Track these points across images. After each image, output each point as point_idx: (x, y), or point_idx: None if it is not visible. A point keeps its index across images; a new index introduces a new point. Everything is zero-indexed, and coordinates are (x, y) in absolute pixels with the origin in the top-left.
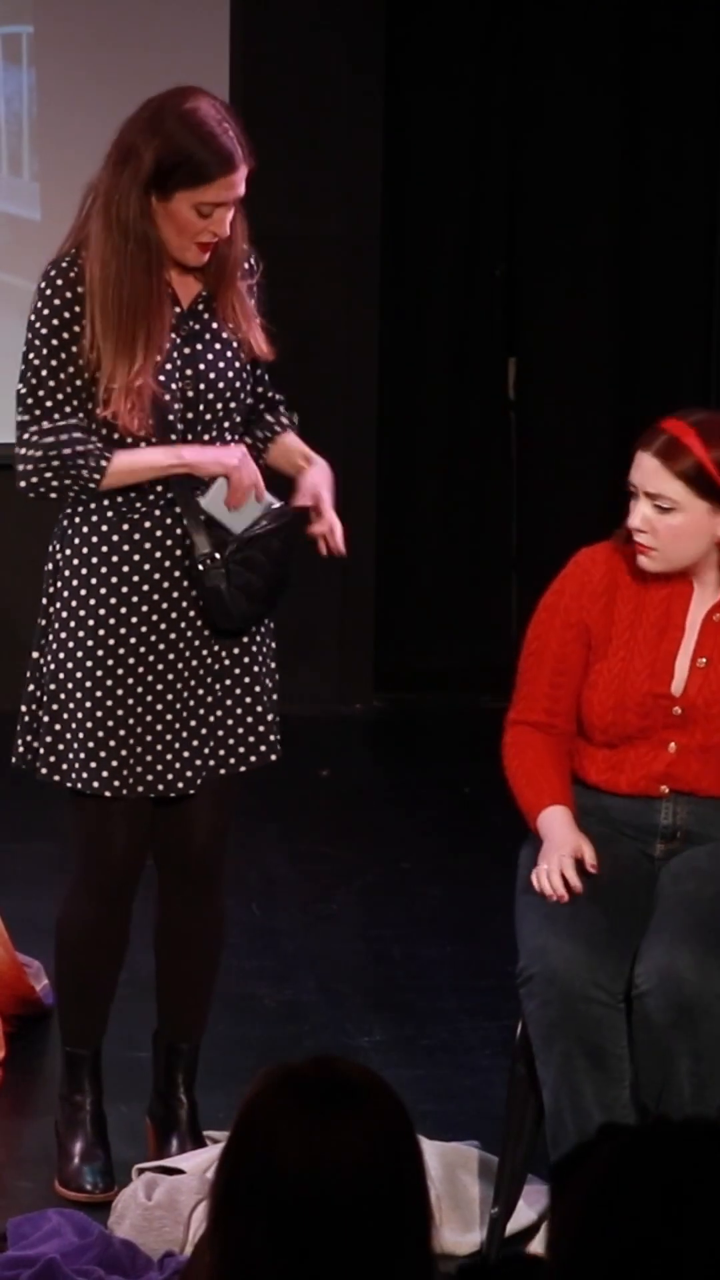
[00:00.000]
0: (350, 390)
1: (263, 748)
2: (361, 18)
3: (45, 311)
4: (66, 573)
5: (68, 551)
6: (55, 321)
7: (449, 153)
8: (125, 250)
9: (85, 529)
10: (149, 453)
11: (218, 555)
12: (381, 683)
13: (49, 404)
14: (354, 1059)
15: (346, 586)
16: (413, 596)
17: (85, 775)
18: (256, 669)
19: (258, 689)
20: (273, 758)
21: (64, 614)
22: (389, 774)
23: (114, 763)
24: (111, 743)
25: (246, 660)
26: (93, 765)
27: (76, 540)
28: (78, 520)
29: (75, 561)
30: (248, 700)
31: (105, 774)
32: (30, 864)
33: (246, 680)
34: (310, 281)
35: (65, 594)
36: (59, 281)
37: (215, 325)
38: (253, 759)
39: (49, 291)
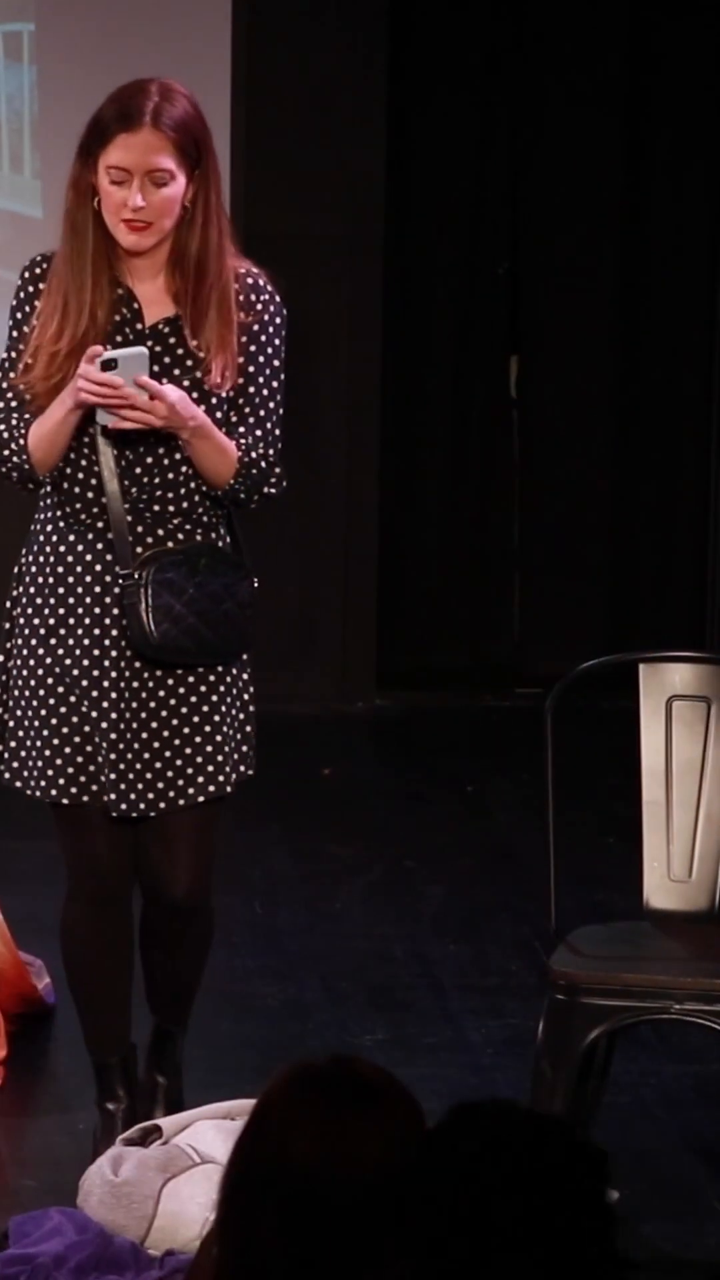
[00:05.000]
0: (353, 388)
1: (215, 781)
2: (364, 16)
3: (11, 304)
4: (25, 579)
5: (28, 558)
6: (18, 315)
7: (451, 151)
8: (68, 221)
9: (41, 537)
10: (51, 408)
11: (136, 575)
12: (384, 681)
13: (1, 389)
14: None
15: (349, 584)
16: (415, 594)
17: (43, 783)
18: (215, 700)
19: (215, 719)
20: (228, 789)
21: (21, 620)
22: (391, 772)
23: (69, 770)
24: (65, 750)
25: (204, 690)
26: (49, 772)
27: (34, 547)
28: (36, 527)
29: (33, 569)
30: (205, 730)
31: (61, 781)
32: (32, 862)
33: (204, 709)
34: (312, 280)
35: (24, 600)
36: (24, 275)
37: (180, 351)
38: (209, 790)
39: (17, 284)
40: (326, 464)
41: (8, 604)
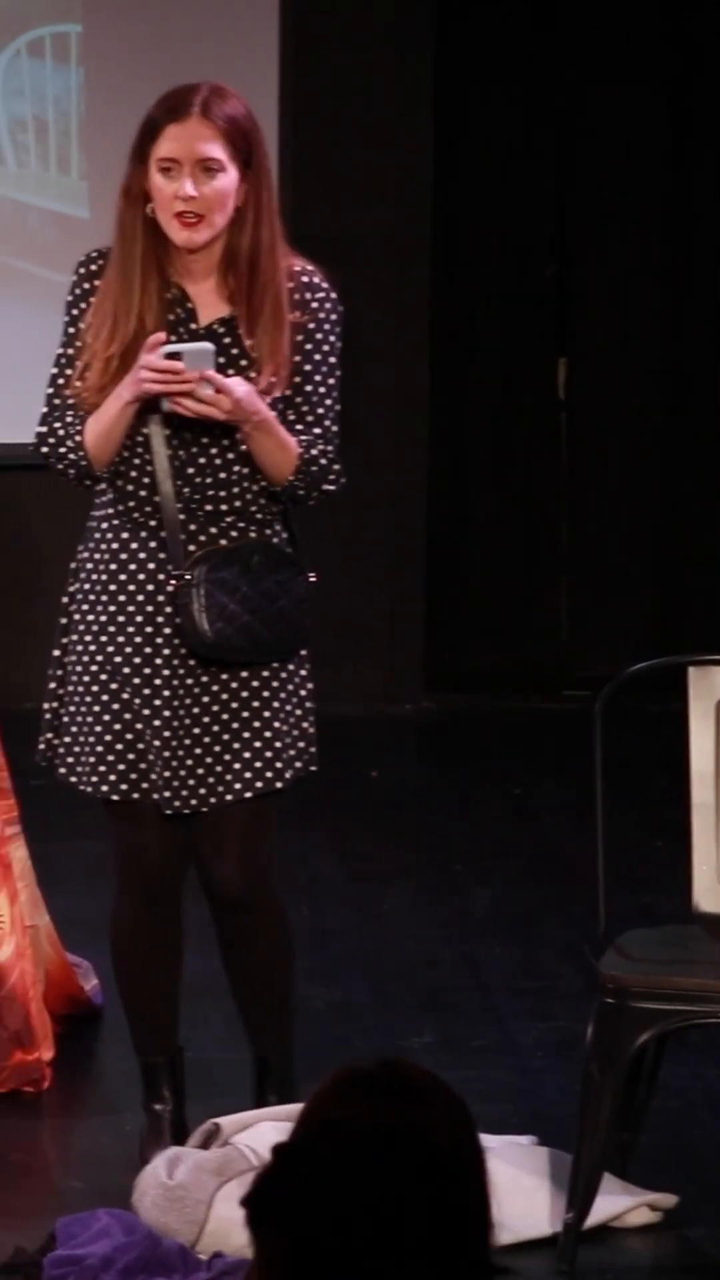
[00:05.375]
0: (401, 391)
1: (264, 777)
2: (411, 14)
3: (67, 300)
4: (82, 574)
5: (85, 554)
6: (74, 311)
7: (498, 152)
8: (118, 226)
9: (97, 534)
10: (107, 402)
11: (188, 575)
12: (431, 683)
13: (59, 385)
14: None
15: (396, 586)
16: (463, 597)
17: (94, 778)
18: (267, 697)
19: (267, 716)
20: (278, 785)
21: (77, 616)
22: (439, 775)
23: (119, 767)
24: (116, 747)
25: (257, 686)
26: (100, 769)
27: (91, 543)
28: (92, 524)
29: (89, 565)
30: (256, 726)
31: (112, 778)
32: (78, 863)
33: (256, 706)
34: (360, 282)
35: (80, 596)
36: (79, 271)
37: (235, 351)
38: (257, 786)
39: (72, 280)
40: (375, 466)
41: (65, 599)
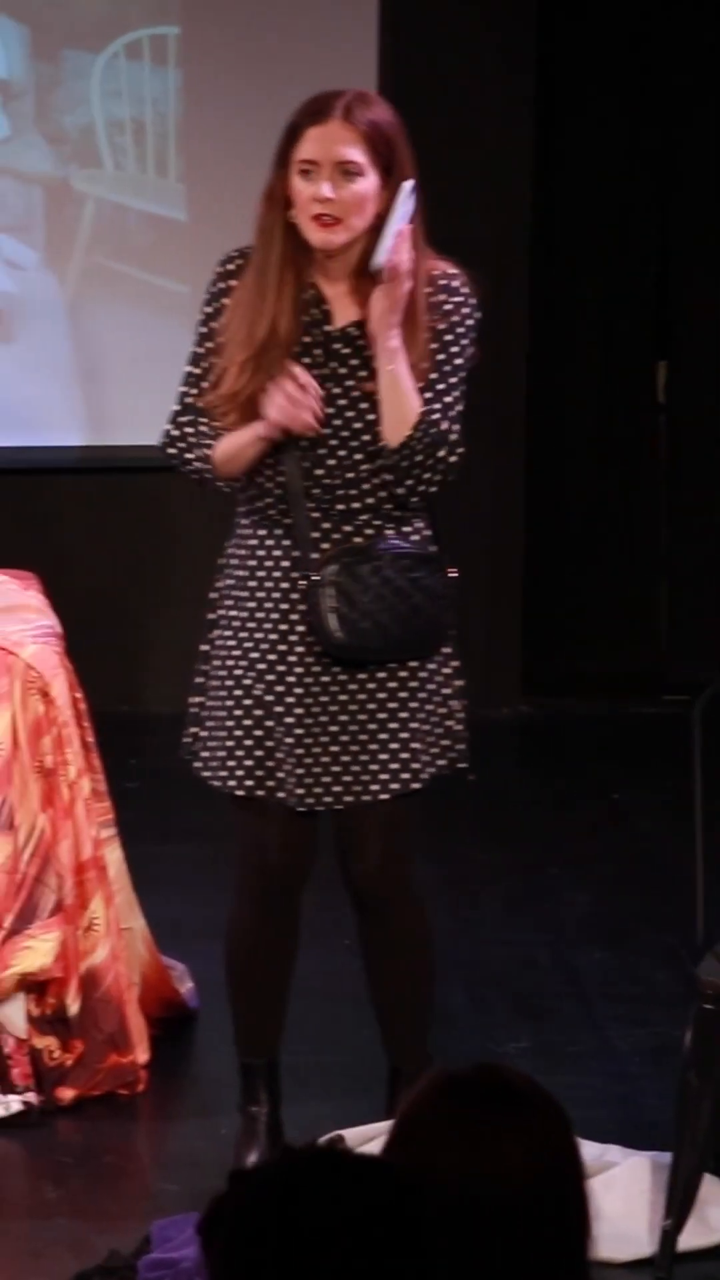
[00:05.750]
0: (498, 393)
1: (400, 779)
2: (513, 16)
3: (204, 298)
4: (226, 570)
5: (228, 551)
6: (208, 310)
7: (599, 154)
8: (257, 230)
9: (240, 531)
10: (243, 431)
11: (318, 574)
12: (529, 686)
13: (189, 386)
14: None
15: (495, 590)
16: (561, 600)
17: (222, 773)
18: (404, 697)
19: (403, 716)
20: (415, 785)
21: (220, 611)
22: (536, 778)
23: (247, 763)
24: (246, 743)
25: (393, 686)
26: (230, 763)
27: (234, 539)
28: (237, 520)
29: (233, 562)
30: (392, 727)
31: (240, 773)
32: (175, 866)
33: (392, 706)
34: None
35: (224, 592)
36: (218, 270)
37: (368, 354)
38: (392, 788)
39: (212, 277)
40: (472, 469)
41: (212, 595)
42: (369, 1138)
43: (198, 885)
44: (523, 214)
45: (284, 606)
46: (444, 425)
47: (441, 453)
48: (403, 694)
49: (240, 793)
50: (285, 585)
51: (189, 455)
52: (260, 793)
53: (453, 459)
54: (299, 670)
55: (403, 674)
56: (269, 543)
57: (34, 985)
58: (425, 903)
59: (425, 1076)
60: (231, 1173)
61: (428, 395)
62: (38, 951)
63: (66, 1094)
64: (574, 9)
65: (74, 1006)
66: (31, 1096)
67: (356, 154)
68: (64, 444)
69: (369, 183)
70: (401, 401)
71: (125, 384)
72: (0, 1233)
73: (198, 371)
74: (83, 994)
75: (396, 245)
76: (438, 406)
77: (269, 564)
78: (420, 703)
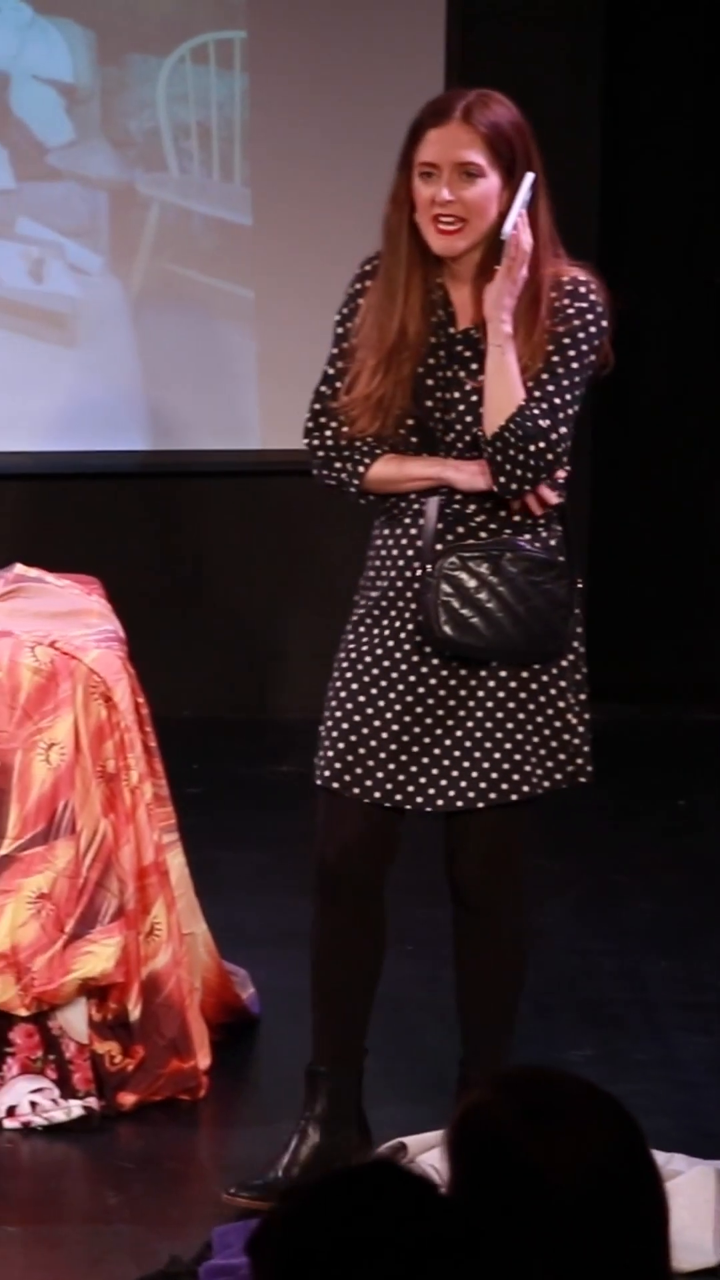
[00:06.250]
0: None
1: (499, 789)
2: (580, 23)
3: (342, 299)
4: (365, 564)
5: (367, 552)
6: (343, 312)
7: (667, 159)
8: (384, 233)
9: (374, 528)
10: (412, 461)
11: (431, 568)
12: (594, 693)
13: (324, 387)
14: None
15: None
16: (626, 607)
17: (320, 764)
18: (512, 706)
19: (509, 726)
20: (513, 797)
21: (354, 605)
22: (603, 786)
23: (347, 757)
24: (350, 737)
25: (502, 695)
26: (329, 754)
27: (371, 534)
28: (373, 524)
29: (368, 554)
30: (498, 735)
31: (338, 766)
32: (237, 872)
33: (500, 714)
34: None
35: (359, 587)
36: (355, 272)
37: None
38: (490, 797)
39: (349, 280)
40: None
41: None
42: (430, 1145)
43: (260, 891)
44: (590, 220)
45: (399, 604)
46: (543, 421)
47: (532, 447)
48: (510, 704)
49: (335, 785)
50: (400, 583)
51: (338, 466)
52: (336, 785)
53: (549, 456)
54: (403, 667)
55: (513, 684)
56: (390, 541)
57: (95, 990)
58: (527, 915)
59: (486, 1079)
60: (281, 1190)
61: (534, 391)
62: (99, 956)
63: (128, 1099)
64: (643, 17)
65: (135, 1011)
66: (93, 1101)
67: (476, 155)
68: (127, 448)
69: (490, 184)
70: (503, 390)
71: (188, 389)
72: (61, 1238)
73: (332, 372)
74: (144, 999)
75: (519, 228)
76: (542, 403)
77: (390, 558)
78: (529, 714)
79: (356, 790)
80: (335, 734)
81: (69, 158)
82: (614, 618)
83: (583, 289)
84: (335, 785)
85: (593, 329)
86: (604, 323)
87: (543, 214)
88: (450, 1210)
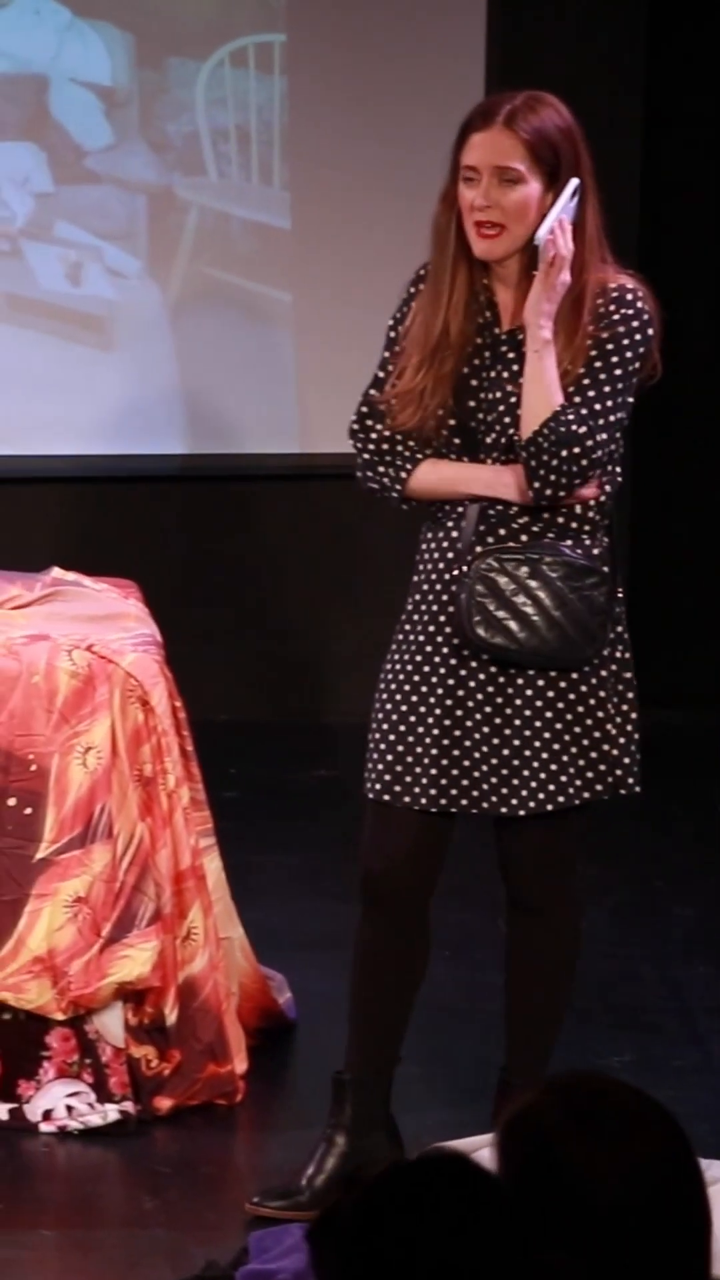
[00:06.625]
0: None
1: (536, 798)
2: (622, 30)
3: (395, 309)
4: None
5: (416, 558)
6: (396, 316)
7: (707, 165)
8: (432, 232)
9: (420, 537)
10: (458, 470)
11: (465, 568)
12: (639, 700)
13: (376, 388)
14: None
15: None
16: (665, 613)
17: (376, 783)
18: (550, 716)
19: (546, 735)
20: (549, 807)
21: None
22: (641, 790)
23: (397, 768)
24: (396, 748)
25: (539, 705)
26: (378, 767)
27: (418, 547)
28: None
29: (417, 559)
30: (536, 745)
31: (388, 778)
32: (273, 876)
33: (537, 724)
34: None
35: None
36: (411, 277)
37: None
38: (530, 805)
39: (403, 286)
40: None
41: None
42: (468, 1151)
43: (297, 895)
44: (630, 225)
45: (435, 607)
46: (578, 428)
47: (565, 452)
48: (548, 713)
49: (371, 796)
50: (441, 582)
51: (379, 468)
52: (387, 797)
53: (583, 462)
54: (442, 670)
55: (549, 693)
56: (432, 544)
57: (132, 994)
58: (579, 921)
59: (537, 1082)
60: (343, 1179)
61: (575, 397)
62: (136, 960)
63: (164, 1104)
64: (684, 24)
65: (172, 1016)
66: (129, 1106)
67: (516, 162)
68: (164, 452)
69: (529, 190)
70: (539, 394)
71: (226, 393)
72: (97, 1243)
73: (381, 375)
74: (180, 1003)
75: (556, 233)
76: (580, 408)
77: (431, 561)
78: (566, 724)
79: (407, 799)
80: (383, 746)
81: (107, 161)
82: (654, 624)
83: (630, 296)
84: (386, 797)
85: (638, 336)
86: (650, 331)
87: (590, 218)
88: (508, 1205)
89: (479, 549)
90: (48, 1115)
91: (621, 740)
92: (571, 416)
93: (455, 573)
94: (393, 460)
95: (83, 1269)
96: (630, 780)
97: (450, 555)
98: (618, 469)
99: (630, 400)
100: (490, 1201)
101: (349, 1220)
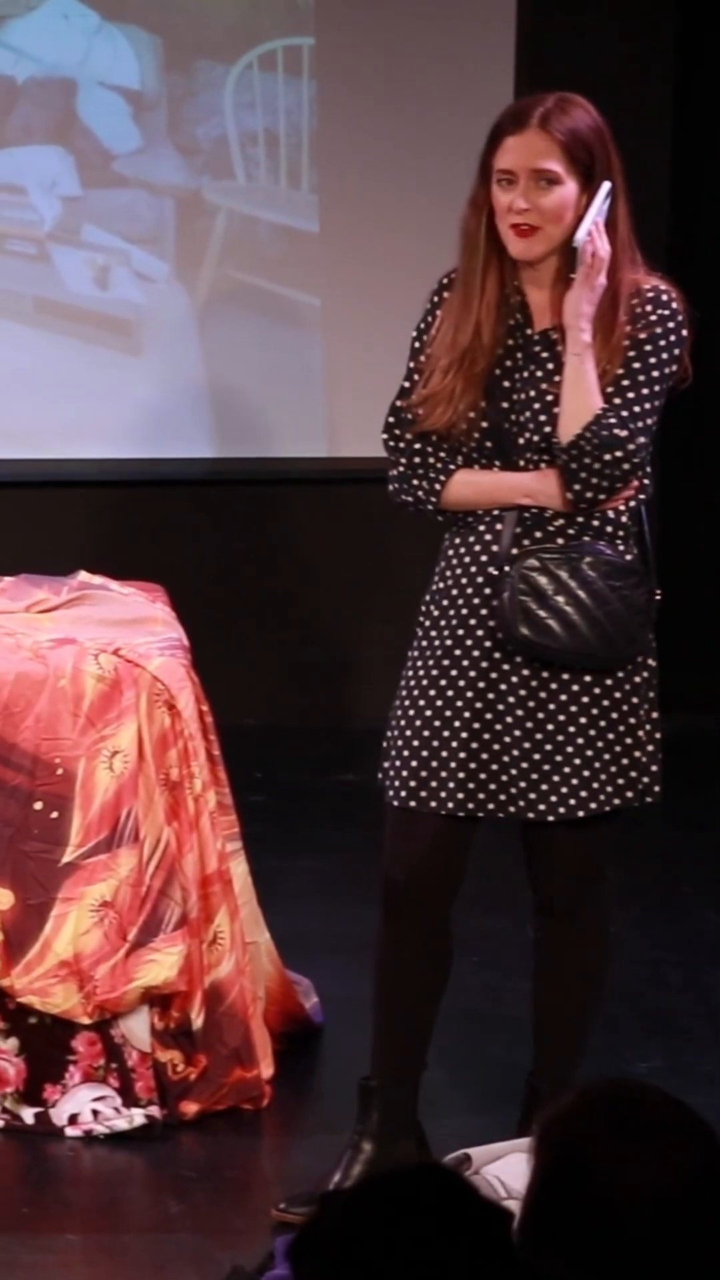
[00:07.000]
0: None
1: (567, 804)
2: (651, 33)
3: (419, 319)
4: (433, 575)
5: (438, 563)
6: (423, 324)
7: None
8: (462, 235)
9: (445, 541)
10: (500, 476)
11: (506, 568)
12: (662, 702)
13: (404, 397)
14: None
15: None
16: (695, 615)
17: (400, 789)
18: (584, 721)
19: (580, 741)
20: (580, 813)
21: (419, 617)
22: (669, 795)
23: (422, 773)
24: (420, 753)
25: (573, 709)
26: (403, 773)
27: (441, 552)
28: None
29: (440, 564)
30: (568, 750)
31: (413, 784)
32: (300, 881)
33: (570, 729)
34: None
35: (426, 599)
36: (436, 285)
37: (565, 359)
38: (560, 811)
39: (428, 295)
40: None
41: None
42: (496, 1156)
43: (323, 900)
44: (659, 226)
45: (467, 610)
46: (619, 431)
47: (608, 456)
48: (583, 719)
49: (411, 804)
50: (474, 585)
51: (413, 481)
52: (413, 803)
53: (625, 466)
54: (472, 674)
55: (585, 699)
56: (463, 549)
57: (158, 999)
58: (609, 926)
59: (573, 1089)
60: (320, 1196)
61: (614, 399)
62: (162, 965)
63: (190, 1108)
64: (713, 26)
65: (198, 1020)
66: (155, 1110)
67: (553, 163)
68: (192, 456)
69: (567, 191)
70: (580, 397)
71: (254, 396)
72: (123, 1247)
73: (408, 385)
74: (207, 1008)
75: (594, 235)
76: (620, 410)
77: (463, 565)
78: (600, 730)
79: (433, 804)
80: (406, 751)
81: (135, 165)
82: (680, 627)
83: (664, 297)
84: (412, 803)
85: (673, 338)
86: (684, 333)
87: (621, 220)
88: (491, 1215)
89: (516, 551)
90: (73, 1119)
91: (650, 747)
92: (613, 420)
93: (489, 574)
94: (425, 473)
95: (108, 1274)
96: (656, 788)
97: (484, 559)
98: (648, 470)
99: (661, 404)
100: (470, 1214)
101: (328, 1236)
